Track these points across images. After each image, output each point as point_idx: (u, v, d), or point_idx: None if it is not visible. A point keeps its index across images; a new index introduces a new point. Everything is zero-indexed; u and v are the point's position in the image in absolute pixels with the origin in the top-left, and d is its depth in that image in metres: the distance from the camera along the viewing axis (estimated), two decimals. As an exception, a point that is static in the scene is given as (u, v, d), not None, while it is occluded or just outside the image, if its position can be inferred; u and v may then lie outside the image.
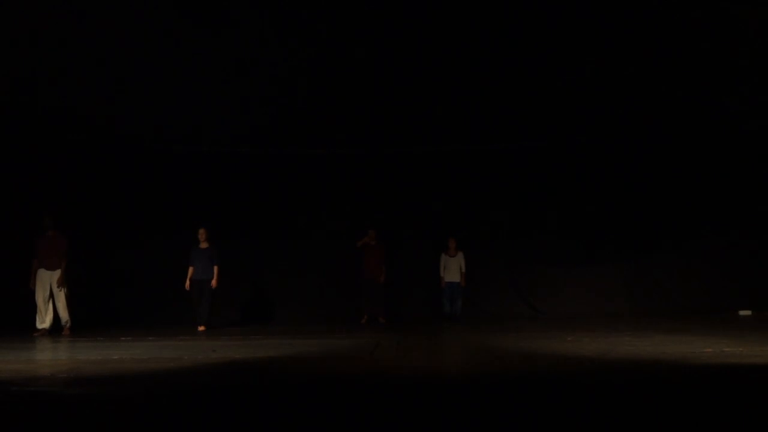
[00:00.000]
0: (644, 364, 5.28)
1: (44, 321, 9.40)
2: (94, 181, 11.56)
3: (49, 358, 6.23)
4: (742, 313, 11.16)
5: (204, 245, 10.22)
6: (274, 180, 12.07)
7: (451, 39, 8.32)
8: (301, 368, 5.27)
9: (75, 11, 7.48)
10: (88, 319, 10.74)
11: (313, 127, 11.01)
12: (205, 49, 8.42)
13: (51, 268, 9.50)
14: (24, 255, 10.00)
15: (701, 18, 7.89)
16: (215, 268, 10.09)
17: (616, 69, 9.15)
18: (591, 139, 11.79)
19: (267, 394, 4.31)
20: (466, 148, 11.98)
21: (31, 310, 9.70)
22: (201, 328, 9.83)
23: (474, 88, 9.63)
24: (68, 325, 9.59)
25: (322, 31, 8.13)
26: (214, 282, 10.06)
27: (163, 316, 11.03)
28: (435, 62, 8.92)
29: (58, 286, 9.48)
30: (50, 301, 9.48)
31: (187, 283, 10.11)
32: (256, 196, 11.96)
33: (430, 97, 9.90)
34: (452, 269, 11.52)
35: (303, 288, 11.81)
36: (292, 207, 11.95)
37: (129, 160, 11.72)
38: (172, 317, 10.92)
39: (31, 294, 9.48)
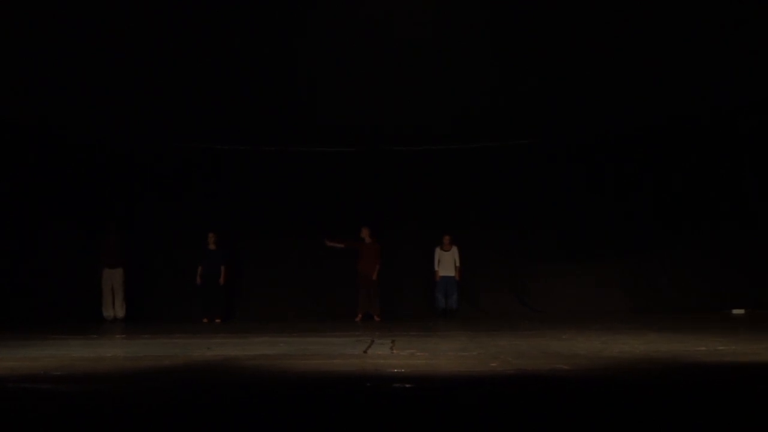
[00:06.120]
0: (638, 362, 5.30)
1: (109, 312, 11.11)
2: (92, 182, 11.60)
3: (43, 356, 6.21)
4: (735, 311, 11.20)
5: (212, 247, 11.36)
6: (269, 178, 12.07)
7: (447, 37, 8.33)
8: (295, 366, 5.27)
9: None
10: (85, 316, 10.83)
11: (307, 124, 11.01)
12: (201, 48, 8.46)
13: (113, 266, 11.08)
14: (19, 253, 10.67)
15: (699, 15, 7.92)
16: (222, 268, 11.24)
17: (615, 67, 9.18)
18: (587, 137, 11.81)
19: (260, 392, 4.31)
20: (461, 145, 12.00)
21: (26, 306, 10.52)
22: (218, 320, 11.10)
23: (471, 85, 9.64)
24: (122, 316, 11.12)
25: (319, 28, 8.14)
26: (221, 279, 11.26)
27: (161, 314, 11.11)
28: (432, 60, 8.94)
29: (119, 282, 11.09)
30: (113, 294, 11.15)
31: (198, 279, 11.24)
32: (252, 195, 11.95)
33: (425, 94, 9.91)
34: (446, 264, 11.55)
35: (298, 285, 11.82)
36: (285, 205, 11.93)
37: (128, 160, 11.75)
38: (170, 315, 11.02)
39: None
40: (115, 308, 11.19)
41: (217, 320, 11.07)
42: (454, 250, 11.58)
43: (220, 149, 11.95)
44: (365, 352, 6.26)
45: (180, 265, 11.45)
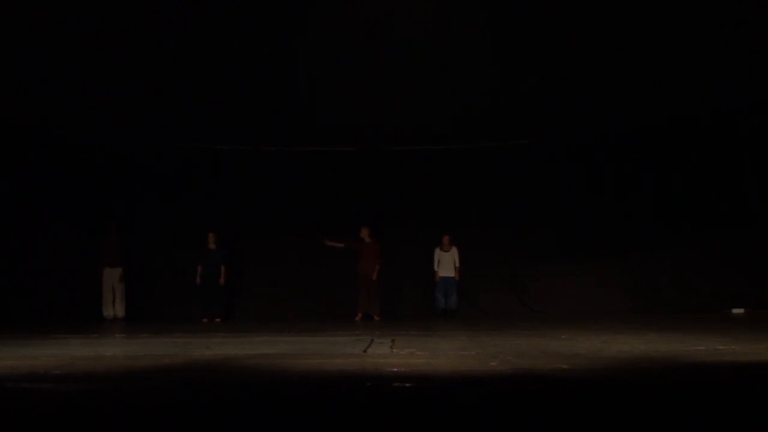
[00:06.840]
0: (638, 362, 5.30)
1: (109, 311, 11.21)
2: (92, 182, 11.62)
3: (43, 355, 6.21)
4: (735, 311, 11.20)
5: (212, 247, 11.41)
6: (269, 178, 12.07)
7: (447, 37, 8.34)
8: (295, 365, 5.27)
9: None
10: (85, 316, 10.84)
11: (307, 124, 11.02)
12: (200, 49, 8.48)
13: (113, 266, 11.14)
14: (19, 253, 10.84)
15: (699, 15, 7.92)
16: (222, 268, 11.30)
17: (615, 67, 9.18)
18: (587, 137, 11.81)
19: (260, 391, 4.31)
20: (461, 145, 12.00)
21: (26, 306, 10.62)
22: (218, 319, 11.15)
23: (471, 85, 9.65)
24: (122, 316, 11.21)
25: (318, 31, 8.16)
26: (222, 279, 11.31)
27: (161, 314, 11.12)
28: (432, 60, 8.95)
29: (119, 281, 11.18)
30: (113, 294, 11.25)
31: (198, 279, 11.28)
32: (252, 195, 11.96)
33: (425, 94, 9.92)
34: (446, 264, 11.56)
35: (298, 285, 11.82)
36: (285, 205, 11.93)
37: (128, 160, 11.76)
38: (170, 314, 11.03)
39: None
40: (115, 308, 11.25)
41: (217, 320, 11.08)
42: (454, 250, 11.59)
43: (220, 149, 11.96)
44: (365, 351, 6.26)
45: (180, 265, 11.49)
